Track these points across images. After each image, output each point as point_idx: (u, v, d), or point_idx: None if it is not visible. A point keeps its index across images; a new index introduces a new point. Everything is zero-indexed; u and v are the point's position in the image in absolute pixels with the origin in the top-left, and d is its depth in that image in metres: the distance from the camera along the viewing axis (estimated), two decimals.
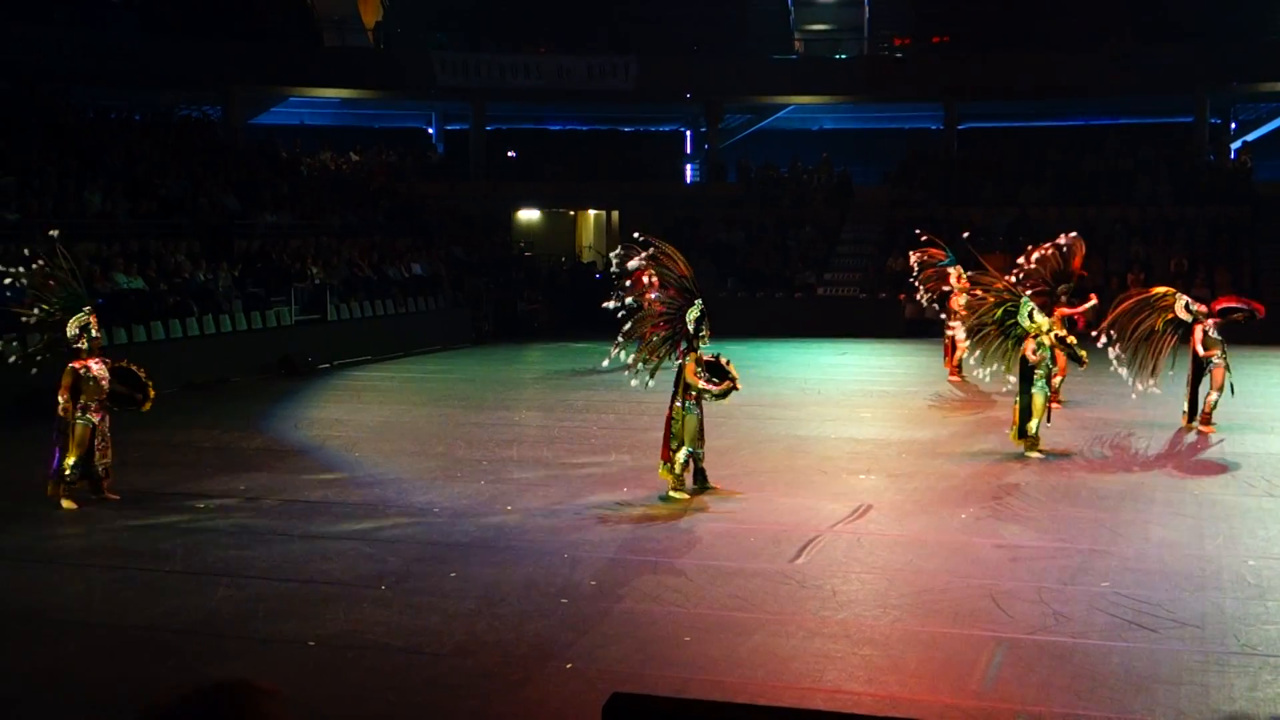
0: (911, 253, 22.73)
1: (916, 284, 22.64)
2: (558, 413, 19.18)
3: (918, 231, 22.83)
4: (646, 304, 13.16)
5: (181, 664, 8.26)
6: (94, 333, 12.86)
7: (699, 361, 12.96)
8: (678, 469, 12.82)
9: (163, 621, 9.17)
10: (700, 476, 13.10)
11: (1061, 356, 16.46)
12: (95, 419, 12.69)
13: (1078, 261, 19.12)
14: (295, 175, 33.78)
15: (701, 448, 13.04)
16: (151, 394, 13.30)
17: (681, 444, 12.81)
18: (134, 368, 13.39)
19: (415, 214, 34.51)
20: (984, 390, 20.36)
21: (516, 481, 13.80)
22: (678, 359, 13.08)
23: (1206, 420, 16.57)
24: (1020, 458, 14.83)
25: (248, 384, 22.77)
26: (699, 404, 13.00)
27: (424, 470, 14.55)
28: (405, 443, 16.59)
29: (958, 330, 18.00)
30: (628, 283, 13.26)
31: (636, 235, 13.60)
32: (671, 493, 12.85)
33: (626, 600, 9.50)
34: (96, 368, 12.77)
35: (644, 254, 13.15)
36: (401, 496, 13.13)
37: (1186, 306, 16.48)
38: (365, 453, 15.82)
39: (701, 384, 12.86)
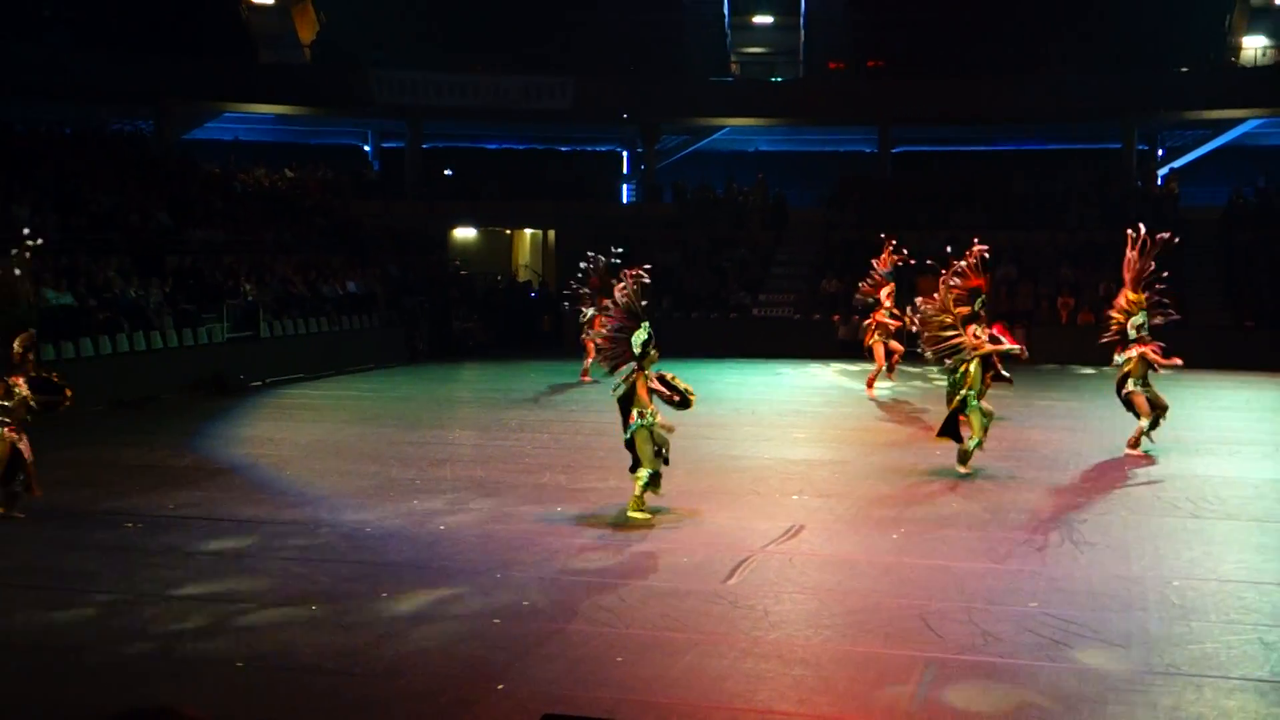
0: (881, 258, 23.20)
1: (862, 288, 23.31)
2: (492, 432, 19.13)
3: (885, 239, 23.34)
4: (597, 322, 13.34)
5: (107, 687, 8.14)
6: (31, 355, 12.96)
7: (648, 379, 12.95)
8: (638, 491, 12.81)
9: (88, 643, 9.04)
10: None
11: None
12: (14, 437, 12.62)
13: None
14: (228, 191, 33.50)
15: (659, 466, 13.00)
16: (69, 394, 13.21)
17: (640, 465, 12.81)
18: (49, 375, 13.34)
19: (350, 231, 34.33)
20: (913, 409, 20.59)
21: (450, 501, 13.73)
22: (625, 380, 13.06)
23: (1134, 445, 16.78)
24: (954, 478, 14.97)
25: (178, 402, 22.51)
26: (651, 422, 12.95)
27: (356, 489, 14.45)
28: (338, 461, 16.47)
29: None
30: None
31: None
32: (631, 514, 12.81)
33: (559, 620, 9.48)
34: (24, 387, 12.74)
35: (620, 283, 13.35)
36: (333, 515, 13.04)
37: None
38: (297, 471, 15.69)
39: (650, 401, 12.87)
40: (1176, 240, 17.26)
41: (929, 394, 22.45)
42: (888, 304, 22.72)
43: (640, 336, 12.96)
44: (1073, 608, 9.74)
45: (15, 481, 12.77)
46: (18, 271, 13.05)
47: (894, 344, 22.80)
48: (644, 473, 12.79)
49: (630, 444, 12.90)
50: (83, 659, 8.71)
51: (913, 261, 23.58)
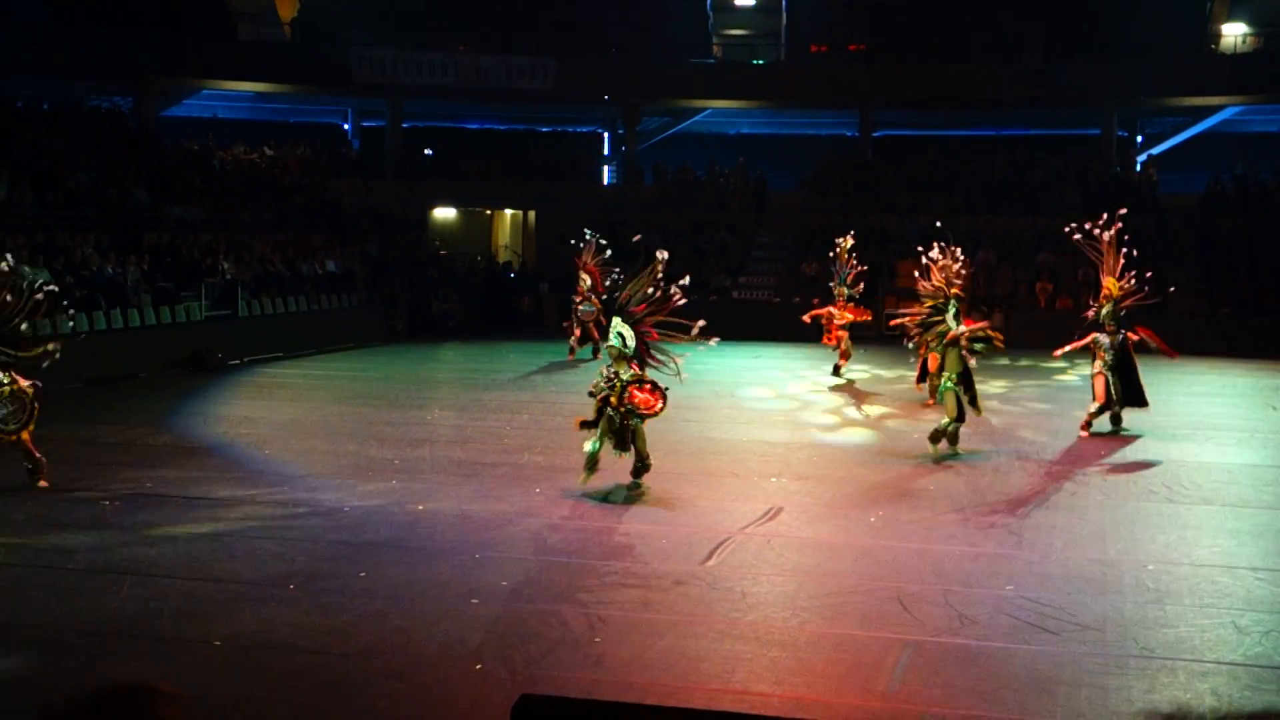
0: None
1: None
2: (471, 412, 19.11)
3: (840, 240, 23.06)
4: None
5: (82, 665, 8.12)
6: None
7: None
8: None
9: (64, 621, 9.01)
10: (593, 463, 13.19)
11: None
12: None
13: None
14: (207, 169, 33.34)
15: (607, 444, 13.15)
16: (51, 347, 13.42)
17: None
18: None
19: (330, 211, 34.21)
20: (891, 393, 20.62)
21: (428, 481, 13.73)
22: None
23: (1086, 426, 17.11)
24: (931, 460, 15.03)
25: (156, 380, 22.42)
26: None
27: (335, 469, 14.43)
28: (316, 441, 16.44)
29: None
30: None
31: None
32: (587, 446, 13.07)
33: (537, 601, 9.49)
34: None
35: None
36: (311, 495, 13.01)
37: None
38: (275, 450, 15.66)
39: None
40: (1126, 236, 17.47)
41: (904, 378, 22.50)
42: (841, 303, 22.57)
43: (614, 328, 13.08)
44: (1048, 591, 9.80)
45: None
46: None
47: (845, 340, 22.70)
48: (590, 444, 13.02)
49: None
50: (57, 637, 8.68)
51: (861, 269, 23.11)
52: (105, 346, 22.49)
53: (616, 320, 13.08)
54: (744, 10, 42.78)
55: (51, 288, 13.74)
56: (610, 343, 13.11)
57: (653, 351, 13.14)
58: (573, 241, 24.72)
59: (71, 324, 17.38)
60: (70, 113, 33.01)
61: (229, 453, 15.59)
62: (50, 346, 13.30)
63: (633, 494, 13.11)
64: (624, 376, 12.86)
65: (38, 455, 13.19)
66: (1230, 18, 39.17)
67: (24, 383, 13.01)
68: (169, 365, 23.34)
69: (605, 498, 12.89)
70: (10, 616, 9.17)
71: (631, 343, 12.93)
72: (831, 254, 23.14)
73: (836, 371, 23.03)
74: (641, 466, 13.27)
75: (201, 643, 8.55)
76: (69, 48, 34.03)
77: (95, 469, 14.22)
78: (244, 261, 27.63)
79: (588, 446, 13.00)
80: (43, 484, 13.10)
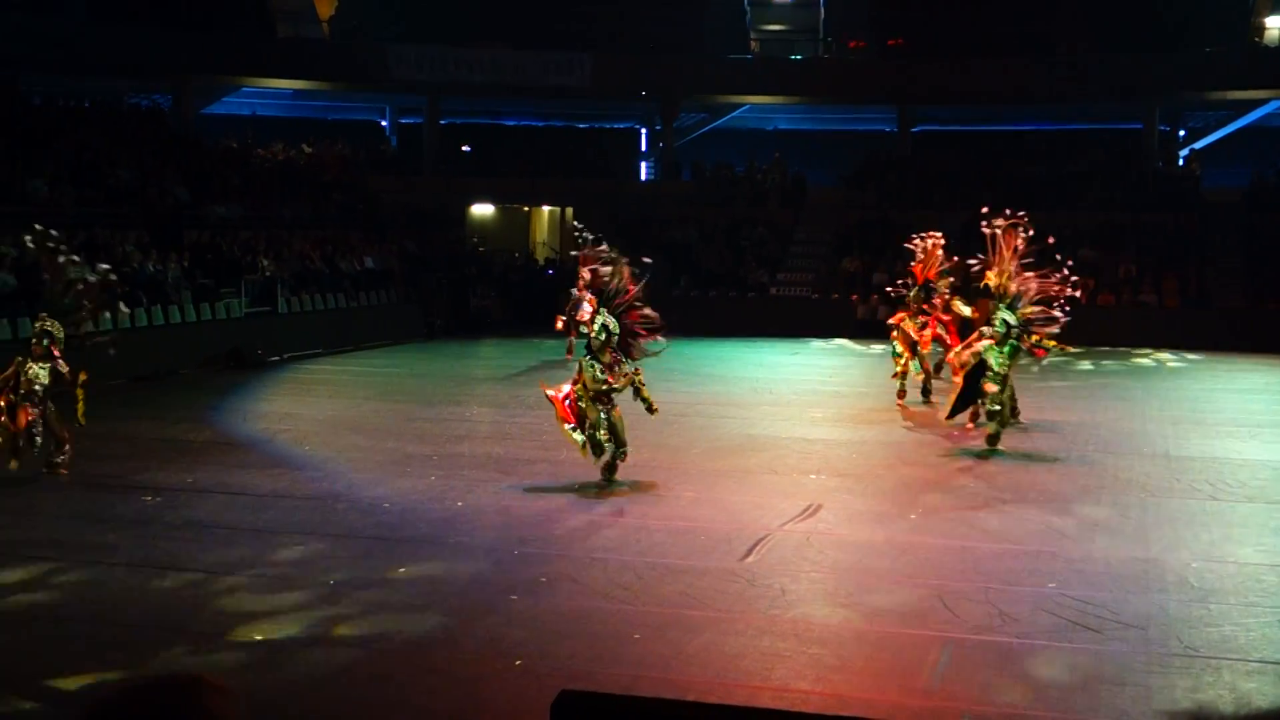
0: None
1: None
2: (510, 409, 19.12)
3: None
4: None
5: (127, 659, 8.18)
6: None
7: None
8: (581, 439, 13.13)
9: (106, 615, 9.07)
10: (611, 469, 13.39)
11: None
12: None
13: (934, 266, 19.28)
14: (247, 166, 33.53)
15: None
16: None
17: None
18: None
19: (368, 207, 34.34)
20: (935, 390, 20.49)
21: (467, 477, 13.75)
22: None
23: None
24: (971, 457, 14.94)
25: (196, 376, 22.58)
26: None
27: (374, 465, 14.48)
28: (355, 437, 16.49)
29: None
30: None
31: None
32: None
33: (577, 597, 9.49)
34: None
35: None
36: (351, 491, 13.06)
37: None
38: (315, 446, 15.72)
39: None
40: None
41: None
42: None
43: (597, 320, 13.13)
44: (1090, 589, 9.71)
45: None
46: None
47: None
48: (578, 436, 13.09)
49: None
50: (101, 631, 8.74)
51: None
52: (146, 343, 22.65)
53: (604, 312, 13.15)
54: (782, 5, 42.65)
55: (113, 276, 14.21)
56: (595, 335, 13.12)
57: (633, 338, 13.38)
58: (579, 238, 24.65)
59: (128, 312, 17.74)
60: (110, 111, 33.27)
61: (269, 449, 15.67)
62: (107, 339, 13.71)
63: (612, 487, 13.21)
64: (599, 365, 13.03)
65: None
66: (1273, 10, 38.71)
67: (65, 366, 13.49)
68: (209, 362, 23.49)
69: (642, 494, 12.86)
70: (54, 610, 9.23)
71: (616, 332, 13.13)
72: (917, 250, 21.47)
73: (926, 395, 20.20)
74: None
75: (243, 637, 8.60)
76: (109, 46, 34.29)
77: (137, 465, 14.32)
78: (283, 258, 27.77)
79: (578, 437, 13.09)
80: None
